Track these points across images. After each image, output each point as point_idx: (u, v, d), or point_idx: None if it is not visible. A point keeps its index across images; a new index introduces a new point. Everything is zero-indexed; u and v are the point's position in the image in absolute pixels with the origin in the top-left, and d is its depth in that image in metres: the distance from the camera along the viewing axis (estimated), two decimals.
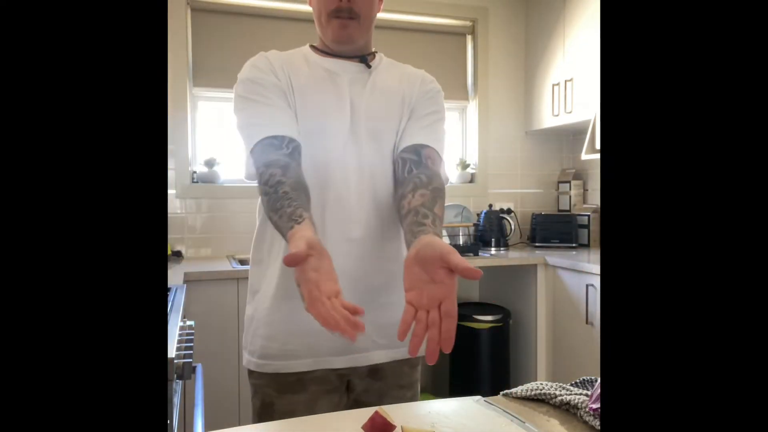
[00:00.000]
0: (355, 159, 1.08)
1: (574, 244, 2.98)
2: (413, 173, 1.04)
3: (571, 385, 0.79)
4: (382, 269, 1.09)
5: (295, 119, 1.05)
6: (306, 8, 2.81)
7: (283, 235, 0.88)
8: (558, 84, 2.91)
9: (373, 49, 1.18)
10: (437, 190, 1.00)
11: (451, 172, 3.17)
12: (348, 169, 1.08)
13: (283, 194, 0.91)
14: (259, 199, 1.04)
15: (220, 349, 2.17)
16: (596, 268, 2.29)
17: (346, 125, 1.08)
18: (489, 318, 2.70)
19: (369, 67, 1.12)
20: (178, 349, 1.10)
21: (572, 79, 2.80)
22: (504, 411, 0.71)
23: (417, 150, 1.08)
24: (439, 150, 1.11)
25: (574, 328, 2.48)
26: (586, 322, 2.38)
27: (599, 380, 0.71)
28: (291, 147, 1.00)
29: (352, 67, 1.11)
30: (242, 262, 2.49)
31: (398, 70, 1.17)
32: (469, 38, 3.25)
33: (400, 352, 1.10)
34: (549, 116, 3.01)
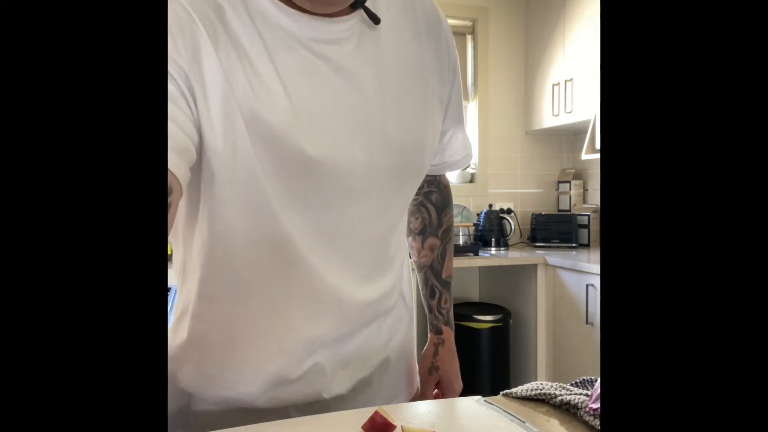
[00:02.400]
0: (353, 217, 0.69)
1: (574, 244, 2.98)
2: (422, 190, 0.90)
3: (571, 385, 0.79)
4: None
5: (191, 142, 0.58)
6: None
7: None
8: (558, 84, 2.91)
9: None
10: (447, 232, 0.92)
11: (451, 172, 3.16)
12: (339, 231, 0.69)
13: None
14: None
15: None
16: (596, 268, 2.29)
17: (359, 180, 0.67)
18: (489, 318, 2.70)
19: (376, 21, 0.66)
20: None
21: (572, 79, 2.80)
22: (504, 411, 0.71)
23: (436, 179, 0.92)
24: (465, 159, 0.90)
25: (574, 328, 2.48)
26: (586, 322, 2.38)
27: (599, 380, 0.71)
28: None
29: (340, 29, 0.64)
30: None
31: (406, 14, 0.72)
32: (469, 38, 3.25)
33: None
34: (549, 116, 3.01)
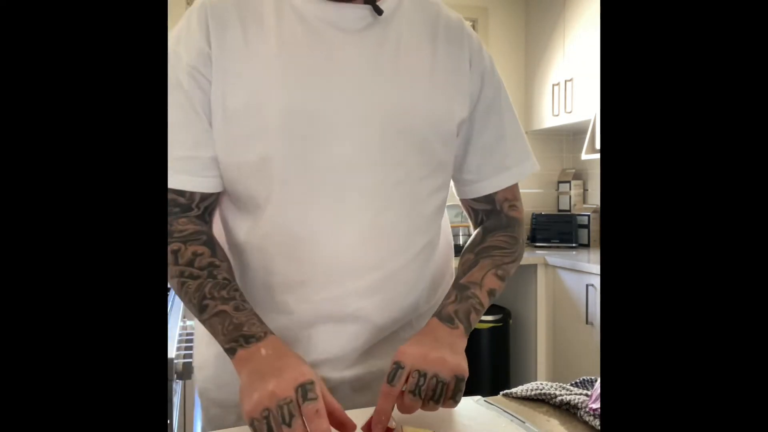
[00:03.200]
0: (361, 203, 0.71)
1: (574, 244, 2.98)
2: (480, 219, 0.85)
3: (571, 385, 0.79)
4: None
5: (210, 139, 0.71)
6: None
7: (230, 338, 0.65)
8: (558, 84, 2.91)
9: None
10: (487, 249, 0.79)
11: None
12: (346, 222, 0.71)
13: (224, 281, 0.68)
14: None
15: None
16: (596, 268, 2.29)
17: (346, 133, 0.70)
18: (489, 318, 2.70)
19: (379, 12, 0.72)
20: (178, 349, 1.10)
21: (572, 79, 2.80)
22: (504, 411, 0.71)
23: (489, 198, 0.83)
24: (520, 174, 0.82)
25: (574, 328, 2.48)
26: (586, 322, 2.38)
27: (599, 380, 0.71)
28: (201, 207, 0.73)
29: (350, 14, 0.71)
30: None
31: (425, 14, 0.78)
32: None
33: None
34: (549, 116, 3.01)
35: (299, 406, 0.55)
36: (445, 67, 0.76)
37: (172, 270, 0.69)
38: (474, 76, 0.78)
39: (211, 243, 0.71)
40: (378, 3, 0.72)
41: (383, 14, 0.72)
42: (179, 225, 0.70)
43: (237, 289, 0.69)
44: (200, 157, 0.71)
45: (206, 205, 0.73)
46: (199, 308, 0.67)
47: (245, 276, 0.76)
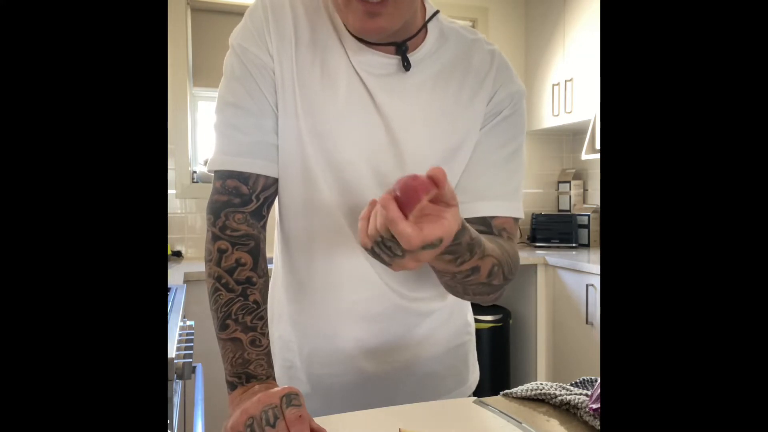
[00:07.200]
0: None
1: (574, 244, 2.98)
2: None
3: (571, 385, 0.79)
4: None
5: (274, 132, 0.76)
6: None
7: (235, 371, 0.67)
8: (558, 84, 2.91)
9: (427, 11, 0.78)
10: (494, 239, 0.73)
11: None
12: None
13: (254, 304, 0.70)
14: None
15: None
16: (596, 268, 2.29)
17: (371, 157, 0.75)
18: (489, 318, 2.70)
19: (407, 68, 0.75)
20: (178, 349, 1.10)
21: (572, 79, 2.80)
22: (500, 412, 0.71)
23: (486, 221, 0.77)
24: (517, 211, 0.78)
25: (574, 328, 2.48)
26: (586, 322, 2.38)
27: (599, 380, 0.71)
28: (261, 198, 0.74)
29: (381, 61, 0.75)
30: None
31: (459, 52, 0.79)
32: None
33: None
34: (549, 116, 3.01)
35: (283, 412, 0.56)
36: (463, 111, 0.77)
37: (212, 269, 0.71)
38: (489, 110, 0.78)
39: (257, 251, 0.72)
40: (411, 53, 0.75)
41: (409, 68, 0.75)
42: (234, 222, 0.72)
43: (262, 317, 0.70)
44: (266, 142, 0.75)
45: (266, 195, 0.75)
46: (220, 324, 0.70)
47: (291, 263, 0.82)
